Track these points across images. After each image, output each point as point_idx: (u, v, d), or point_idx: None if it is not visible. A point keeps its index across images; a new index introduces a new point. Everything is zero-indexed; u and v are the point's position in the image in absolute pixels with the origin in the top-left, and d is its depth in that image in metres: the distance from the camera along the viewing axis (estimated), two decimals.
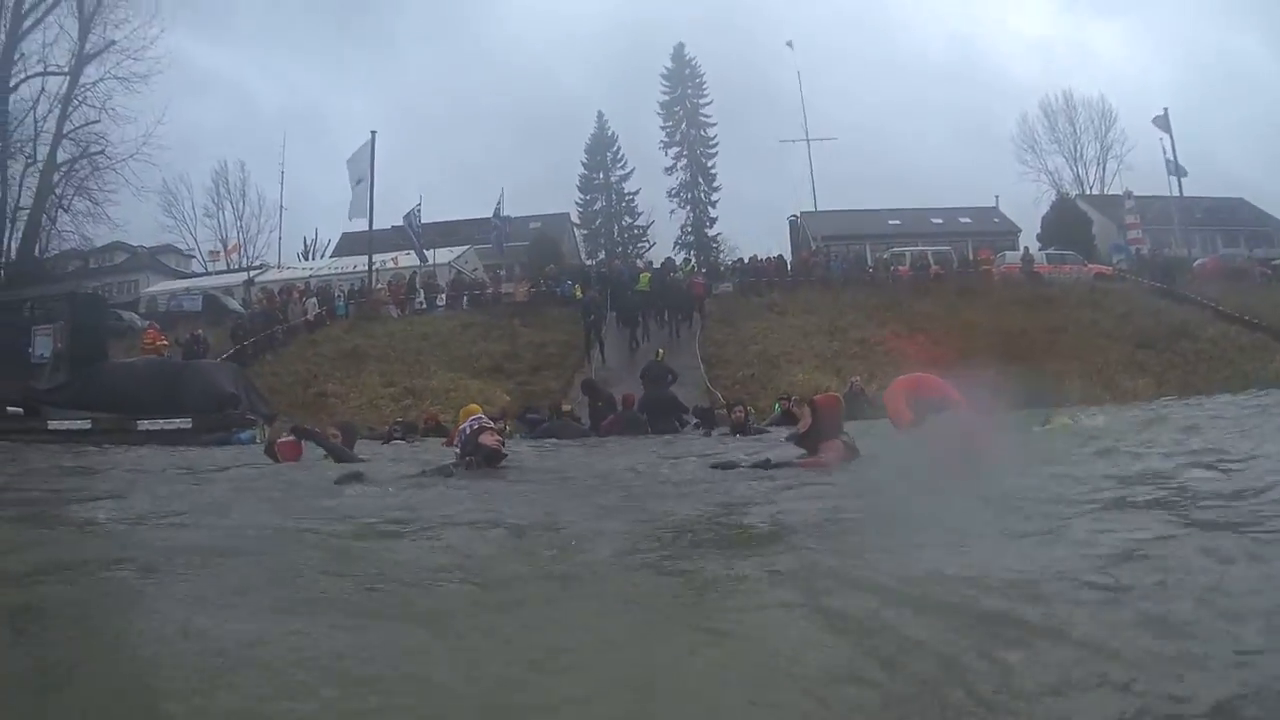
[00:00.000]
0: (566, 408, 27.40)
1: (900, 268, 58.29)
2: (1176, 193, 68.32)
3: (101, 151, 64.53)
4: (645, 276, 52.89)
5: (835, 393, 14.30)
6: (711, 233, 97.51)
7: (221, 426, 28.50)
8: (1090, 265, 60.20)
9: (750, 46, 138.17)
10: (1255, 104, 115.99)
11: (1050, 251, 61.25)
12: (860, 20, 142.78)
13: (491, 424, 12.00)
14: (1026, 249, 62.90)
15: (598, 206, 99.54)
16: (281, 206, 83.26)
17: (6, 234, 63.03)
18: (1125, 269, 59.24)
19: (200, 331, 46.06)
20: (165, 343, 39.44)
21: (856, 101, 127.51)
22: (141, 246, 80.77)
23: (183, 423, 28.08)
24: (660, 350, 37.37)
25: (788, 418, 24.33)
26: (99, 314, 35.66)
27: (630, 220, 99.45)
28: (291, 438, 14.90)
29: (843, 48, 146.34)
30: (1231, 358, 44.15)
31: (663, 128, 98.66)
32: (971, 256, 61.75)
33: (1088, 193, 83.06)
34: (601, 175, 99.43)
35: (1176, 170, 66.33)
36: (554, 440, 21.51)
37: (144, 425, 27.69)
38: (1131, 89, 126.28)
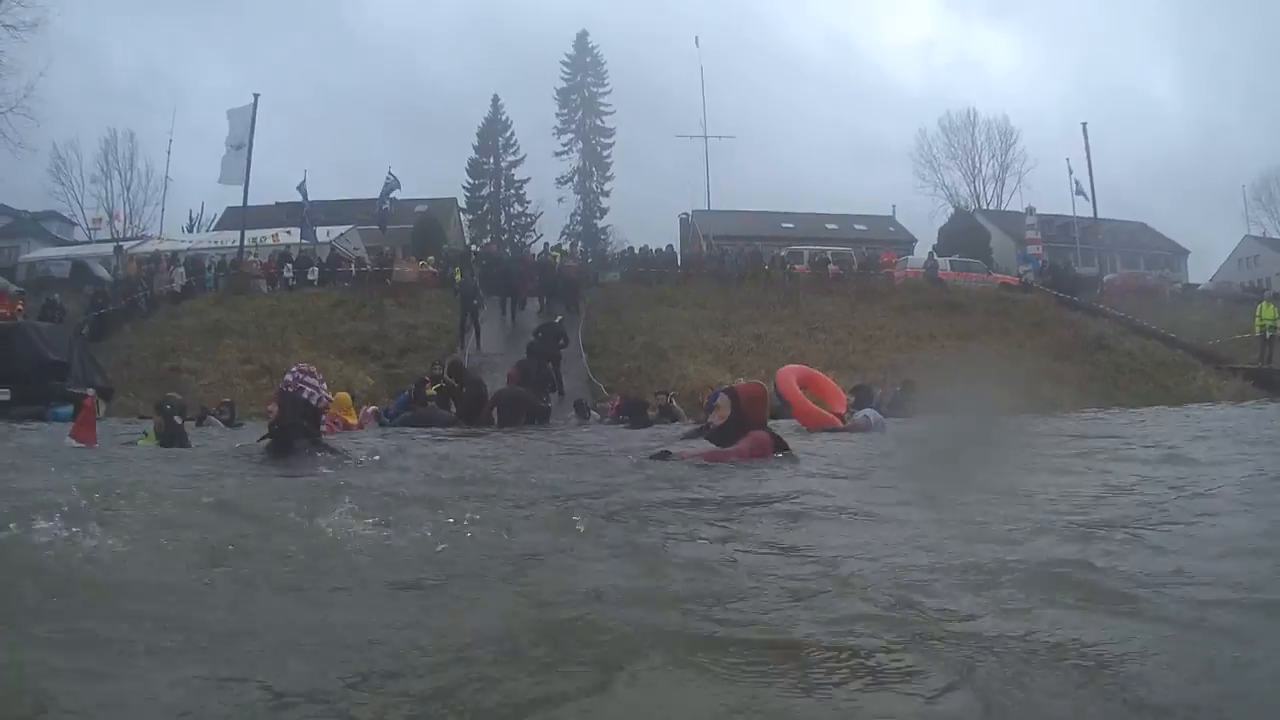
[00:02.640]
0: (432, 391, 23.69)
1: (798, 266, 54.71)
2: (1082, 212, 66.69)
3: None
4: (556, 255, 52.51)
5: (759, 382, 12.07)
6: (601, 223, 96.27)
7: (40, 399, 24.88)
8: (995, 275, 58.52)
9: (654, 41, 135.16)
10: (1154, 130, 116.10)
11: (955, 259, 59.68)
12: (760, 18, 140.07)
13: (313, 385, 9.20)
14: (932, 254, 61.14)
15: (485, 192, 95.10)
16: (167, 178, 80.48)
17: None
18: (1032, 280, 57.13)
19: (56, 297, 42.76)
20: (14, 310, 35.78)
21: (755, 103, 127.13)
22: (24, 211, 78.11)
23: (1, 394, 24.82)
24: (559, 316, 36.51)
25: (665, 413, 24.39)
26: None
27: (520, 208, 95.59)
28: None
29: (745, 47, 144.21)
30: (1151, 372, 42.42)
31: (558, 114, 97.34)
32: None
33: (985, 208, 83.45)
34: (492, 161, 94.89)
35: (1089, 192, 64.22)
36: (415, 431, 18.23)
37: None
38: (1032, 110, 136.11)
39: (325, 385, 9.30)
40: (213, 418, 23.54)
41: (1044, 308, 50.25)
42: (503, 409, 21.76)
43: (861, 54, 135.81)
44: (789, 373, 19.68)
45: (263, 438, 9.29)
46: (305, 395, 8.93)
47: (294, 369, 9.27)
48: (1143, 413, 25.51)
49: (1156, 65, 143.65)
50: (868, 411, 17.32)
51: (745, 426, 9.98)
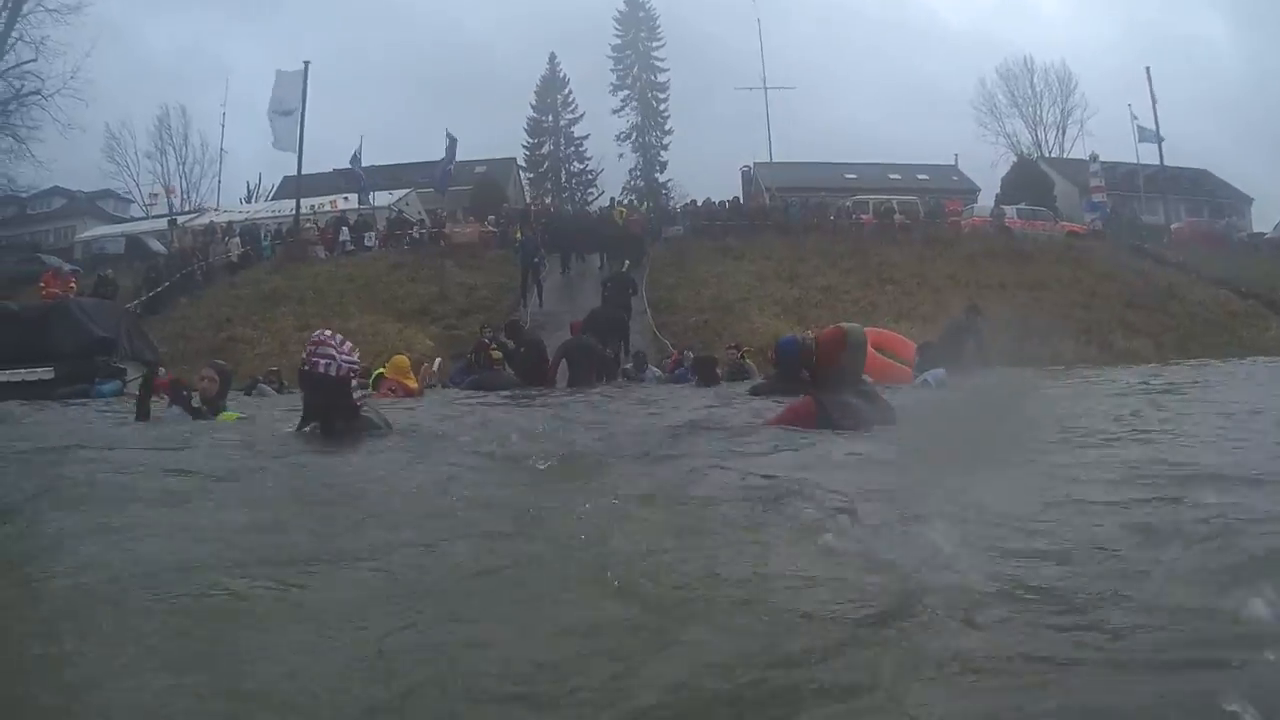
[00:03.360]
0: (497, 354, 22.39)
1: (863, 216, 53.71)
2: (1148, 160, 64.75)
3: (37, 91, 60.61)
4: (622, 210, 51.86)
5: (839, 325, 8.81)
6: (662, 178, 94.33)
7: (85, 376, 23.75)
8: (1063, 223, 57.13)
9: None
10: (1214, 78, 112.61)
11: (1021, 207, 58.58)
12: None
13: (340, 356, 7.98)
14: (997, 202, 60.57)
15: (545, 150, 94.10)
16: (222, 150, 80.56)
17: None
18: (1100, 228, 56.34)
19: (108, 272, 40.90)
20: (66, 288, 34.08)
21: (812, 54, 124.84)
22: (80, 191, 77.44)
23: (44, 372, 23.84)
24: (626, 262, 35.50)
25: (736, 372, 22.40)
26: None
27: (580, 165, 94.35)
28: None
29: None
30: (1224, 323, 41.78)
31: (613, 71, 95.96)
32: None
33: (1048, 156, 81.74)
34: (551, 118, 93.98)
35: (1156, 137, 62.70)
36: (482, 392, 17.54)
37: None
38: (1088, 56, 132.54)
39: (347, 347, 8.03)
40: (264, 385, 23.74)
41: (1114, 256, 49.06)
42: (571, 363, 20.89)
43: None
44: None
45: (302, 424, 8.21)
46: (321, 370, 7.83)
47: (307, 345, 8.13)
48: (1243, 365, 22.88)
49: (1211, 8, 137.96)
50: (928, 376, 15.87)
51: (815, 379, 8.05)
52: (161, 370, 21.68)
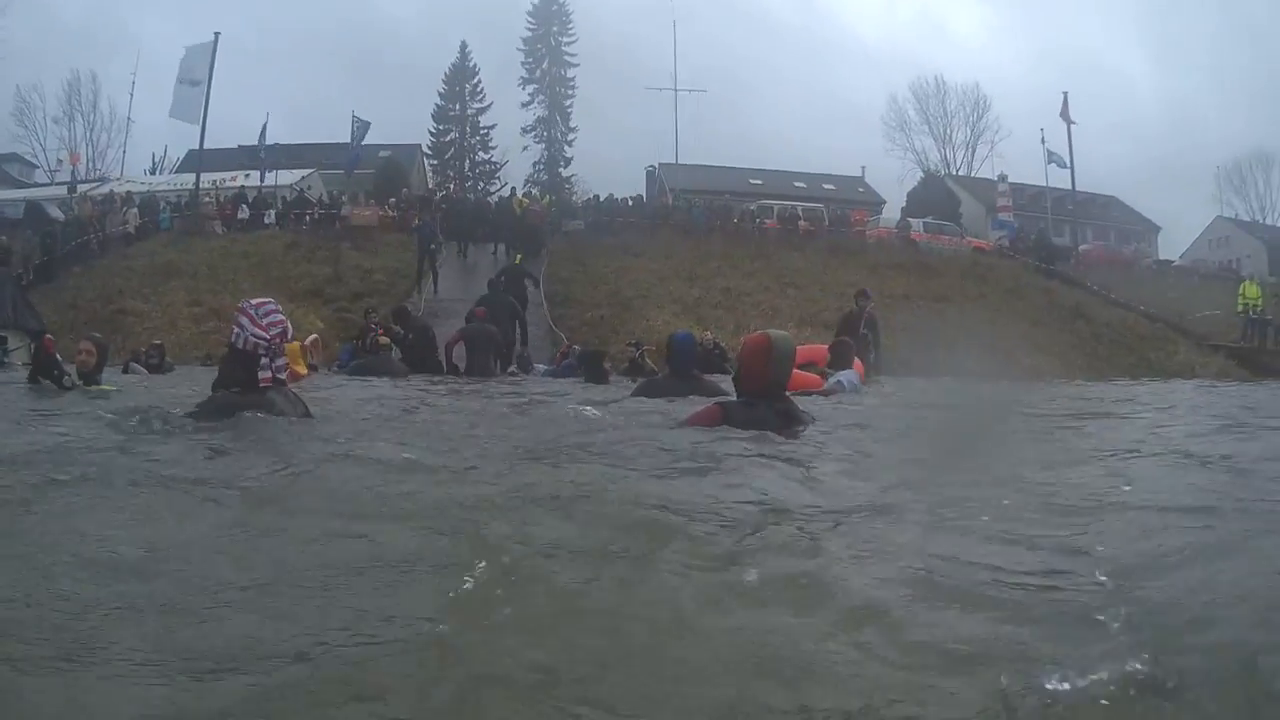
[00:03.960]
0: (384, 340, 21.86)
1: (768, 220, 53.96)
2: (1057, 184, 66.64)
3: None
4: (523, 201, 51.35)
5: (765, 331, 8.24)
6: (566, 173, 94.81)
7: None
8: (969, 239, 57.72)
9: None
10: (1126, 107, 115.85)
11: (928, 220, 59.18)
12: None
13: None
14: (903, 214, 62.01)
15: (450, 138, 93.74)
16: (129, 119, 78.60)
17: None
18: (1007, 246, 56.47)
19: (3, 238, 41.42)
20: None
21: (723, 59, 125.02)
22: None
23: None
24: (519, 255, 35.78)
25: (635, 369, 23.15)
26: None
27: (485, 156, 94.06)
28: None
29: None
30: (1132, 344, 42.08)
31: (524, 64, 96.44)
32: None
33: (955, 174, 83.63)
34: (458, 107, 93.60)
35: (1066, 162, 63.59)
36: (369, 378, 17.55)
37: None
38: (1001, 80, 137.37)
39: (269, 320, 7.53)
40: (134, 364, 22.71)
41: (1020, 274, 49.51)
42: (470, 349, 20.97)
43: (829, 12, 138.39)
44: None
45: (215, 388, 7.80)
46: (231, 338, 7.55)
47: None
48: (1147, 386, 23.24)
49: (1125, 38, 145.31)
50: (841, 377, 15.22)
51: (736, 388, 7.84)
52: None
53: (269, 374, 7.64)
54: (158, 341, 26.20)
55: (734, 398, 7.78)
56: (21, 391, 11.42)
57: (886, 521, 4.20)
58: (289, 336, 7.80)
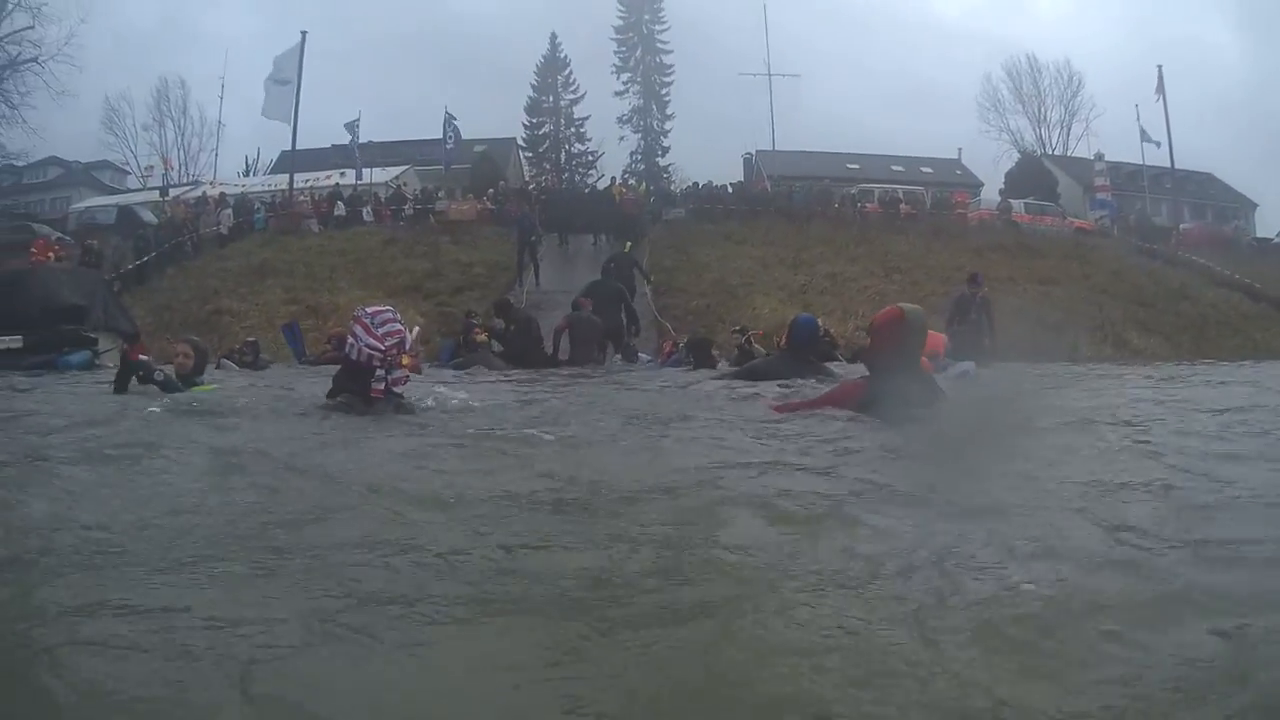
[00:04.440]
0: (481, 337, 21.57)
1: (869, 204, 53.07)
2: (1152, 160, 63.93)
3: (35, 59, 61.08)
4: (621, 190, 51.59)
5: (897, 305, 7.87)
6: (663, 162, 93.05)
7: (53, 345, 22.41)
8: (1071, 219, 56.41)
9: None
10: (1219, 80, 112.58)
11: (1029, 201, 58.23)
12: None
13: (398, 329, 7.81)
14: (1004, 195, 60.72)
15: (545, 131, 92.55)
16: (219, 123, 79.35)
17: None
18: (1109, 226, 55.49)
19: (93, 242, 41.31)
20: (53, 254, 33.57)
21: (816, 43, 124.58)
22: (76, 162, 77.21)
23: (11, 340, 22.43)
24: (628, 243, 34.67)
25: (744, 356, 21.63)
26: None
27: (581, 147, 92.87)
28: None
29: None
30: (1237, 325, 41.57)
31: (616, 52, 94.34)
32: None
33: (1051, 154, 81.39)
34: (551, 99, 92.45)
35: (1153, 139, 61.44)
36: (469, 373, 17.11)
37: None
38: (1093, 55, 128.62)
39: (386, 327, 7.62)
40: (226, 361, 22.31)
41: (1123, 255, 48.51)
42: (575, 338, 20.76)
43: None
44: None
45: (330, 395, 8.00)
46: (346, 350, 7.80)
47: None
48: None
49: (1215, 10, 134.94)
50: (965, 367, 14.34)
51: (869, 363, 7.62)
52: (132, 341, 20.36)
53: (383, 386, 7.54)
54: (251, 339, 25.73)
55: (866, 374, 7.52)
56: (108, 398, 10.69)
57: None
58: (406, 347, 7.70)
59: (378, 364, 7.52)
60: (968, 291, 21.08)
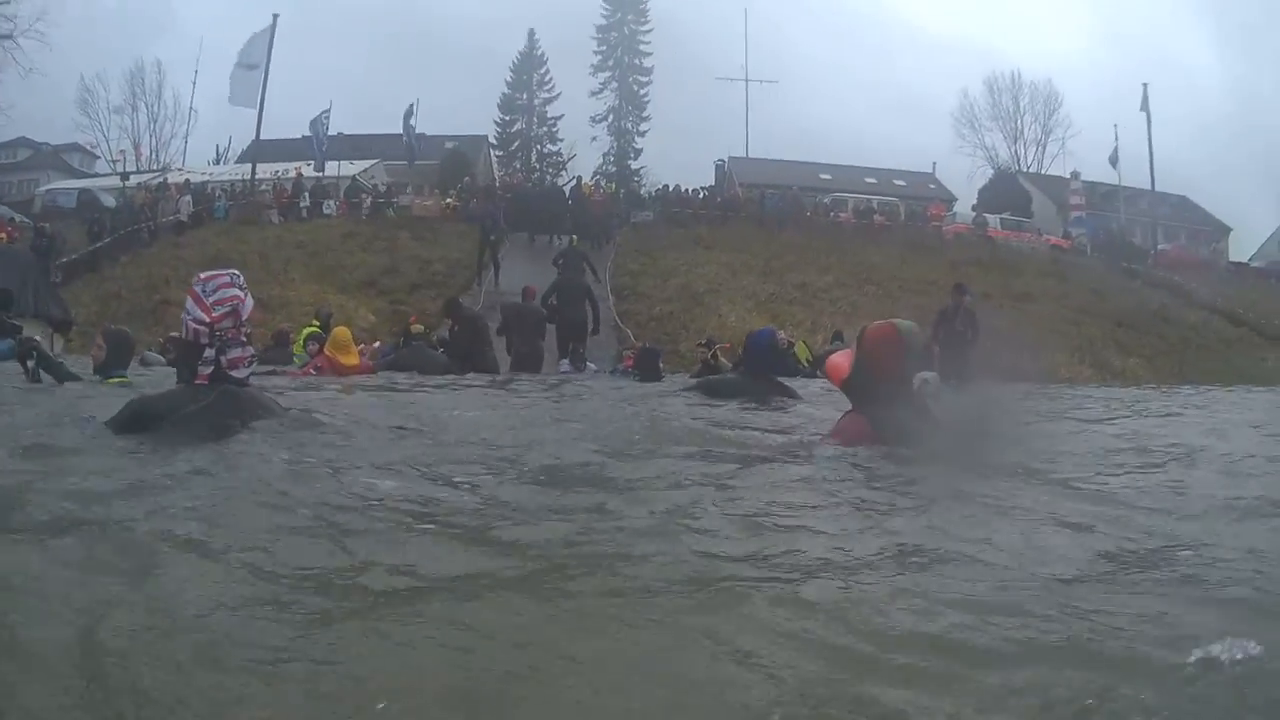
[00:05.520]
0: (417, 326, 21.30)
1: (842, 214, 52.84)
2: (1128, 181, 64.51)
3: (10, 35, 60.09)
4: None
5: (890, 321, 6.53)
6: (635, 165, 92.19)
7: None
8: (1047, 236, 56.42)
9: None
10: (1196, 103, 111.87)
11: (1005, 216, 58.14)
12: None
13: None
14: (979, 210, 60.71)
15: (517, 129, 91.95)
16: (191, 109, 77.47)
17: None
18: (1086, 245, 55.77)
19: (45, 225, 40.66)
20: (4, 235, 35.30)
21: (794, 51, 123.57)
22: (45, 144, 75.86)
23: None
24: (574, 238, 32.03)
25: (708, 371, 19.32)
26: None
27: (553, 146, 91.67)
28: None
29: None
30: (1218, 349, 41.00)
31: (596, 51, 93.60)
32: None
33: (1025, 171, 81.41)
34: (525, 96, 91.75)
35: (1149, 158, 61.35)
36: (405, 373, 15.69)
37: None
38: (1071, 73, 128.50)
39: (219, 294, 5.83)
40: (150, 354, 19.84)
41: (1102, 274, 48.25)
42: (518, 331, 20.26)
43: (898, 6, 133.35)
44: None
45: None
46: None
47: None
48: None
49: (1195, 32, 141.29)
50: (923, 376, 12.82)
51: (866, 391, 6.40)
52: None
53: (210, 369, 5.87)
54: (175, 334, 23.81)
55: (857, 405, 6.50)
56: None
57: None
58: (243, 317, 5.93)
59: (205, 341, 5.83)
60: (951, 302, 20.33)
